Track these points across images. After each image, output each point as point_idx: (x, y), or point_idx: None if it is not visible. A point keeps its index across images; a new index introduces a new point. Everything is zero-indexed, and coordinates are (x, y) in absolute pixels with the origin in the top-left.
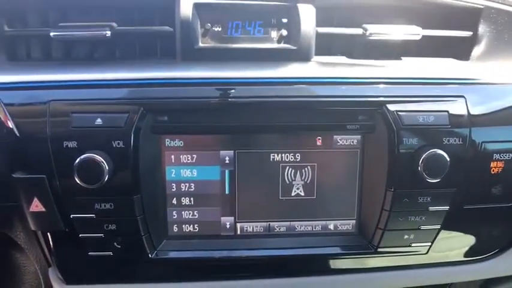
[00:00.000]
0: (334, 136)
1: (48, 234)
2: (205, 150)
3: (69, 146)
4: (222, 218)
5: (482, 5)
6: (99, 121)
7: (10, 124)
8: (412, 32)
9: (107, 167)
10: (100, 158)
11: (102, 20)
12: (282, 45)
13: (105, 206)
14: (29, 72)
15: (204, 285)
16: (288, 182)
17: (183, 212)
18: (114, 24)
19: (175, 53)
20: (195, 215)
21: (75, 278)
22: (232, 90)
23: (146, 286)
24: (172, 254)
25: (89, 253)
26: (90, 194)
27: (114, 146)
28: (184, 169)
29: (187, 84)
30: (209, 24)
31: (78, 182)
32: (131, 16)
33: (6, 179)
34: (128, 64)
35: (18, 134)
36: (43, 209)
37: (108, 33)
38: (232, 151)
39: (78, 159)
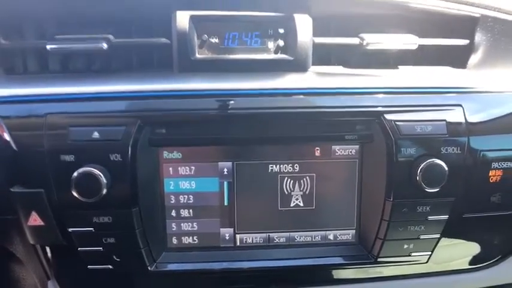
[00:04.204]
0: (333, 146)
1: (47, 247)
2: (203, 161)
3: (66, 159)
4: (222, 230)
5: (479, 14)
6: (96, 134)
7: (7, 137)
8: (409, 42)
9: (105, 181)
10: (98, 171)
11: (99, 32)
12: (279, 55)
13: (103, 219)
14: (26, 86)
15: None
16: (286, 192)
17: (182, 224)
18: (111, 37)
19: (172, 64)
20: (194, 227)
21: None
22: (230, 102)
23: None
24: (172, 266)
25: (88, 266)
26: (88, 208)
27: (112, 159)
28: (182, 181)
29: (184, 96)
30: (206, 36)
31: (76, 195)
32: (128, 28)
33: (4, 193)
34: (124, 76)
35: (15, 148)
36: (41, 223)
37: (105, 45)
38: (231, 162)
39: (75, 173)
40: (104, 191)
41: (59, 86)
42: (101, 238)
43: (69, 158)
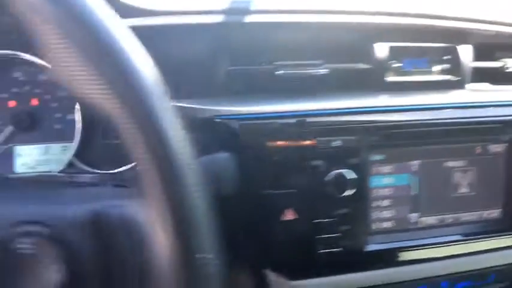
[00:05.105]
0: (489, 146)
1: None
2: (399, 161)
3: (317, 164)
4: (410, 215)
5: None
6: (337, 143)
7: (268, 150)
8: None
9: (349, 180)
10: (344, 172)
11: (309, 58)
12: (446, 76)
13: (342, 211)
14: (269, 103)
15: (397, 270)
16: (456, 183)
17: (382, 212)
18: (321, 62)
19: (368, 85)
20: (391, 214)
21: (298, 275)
22: (424, 114)
23: (356, 275)
24: (376, 247)
25: (318, 251)
26: (333, 202)
27: (351, 162)
28: (384, 177)
29: (392, 111)
30: (393, 61)
31: (326, 193)
32: (333, 55)
33: (258, 195)
34: (339, 95)
35: (276, 159)
36: (294, 217)
37: (325, 71)
38: (418, 161)
39: (329, 175)
40: (348, 189)
41: (300, 103)
42: (336, 227)
43: (319, 162)
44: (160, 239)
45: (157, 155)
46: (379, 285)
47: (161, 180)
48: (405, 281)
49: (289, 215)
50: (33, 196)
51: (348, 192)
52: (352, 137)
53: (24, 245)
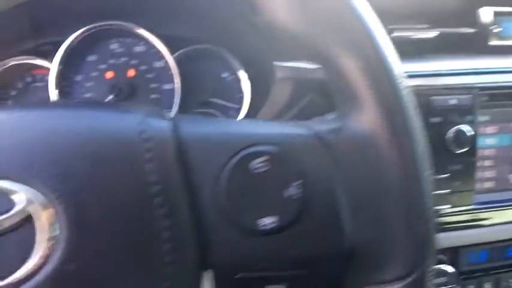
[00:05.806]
0: None
1: None
2: (503, 122)
3: (435, 121)
4: (509, 175)
5: None
6: (453, 101)
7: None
8: None
9: (468, 136)
10: (463, 128)
11: (416, 22)
12: None
13: (455, 167)
14: None
15: (494, 230)
16: None
17: (485, 172)
18: (429, 26)
19: (472, 48)
20: (493, 174)
21: None
22: None
23: (458, 233)
24: (478, 206)
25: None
26: (450, 158)
27: (466, 120)
28: (489, 138)
29: (498, 73)
30: (495, 26)
31: (446, 149)
32: (439, 19)
33: None
34: (448, 57)
35: None
36: None
37: (435, 34)
38: None
39: (448, 131)
40: (466, 145)
41: (415, 64)
42: (448, 183)
43: (437, 119)
44: (386, 152)
45: (380, 79)
46: (475, 244)
47: (385, 103)
48: (499, 241)
49: None
50: (258, 122)
51: (464, 149)
52: (465, 97)
53: (260, 165)
